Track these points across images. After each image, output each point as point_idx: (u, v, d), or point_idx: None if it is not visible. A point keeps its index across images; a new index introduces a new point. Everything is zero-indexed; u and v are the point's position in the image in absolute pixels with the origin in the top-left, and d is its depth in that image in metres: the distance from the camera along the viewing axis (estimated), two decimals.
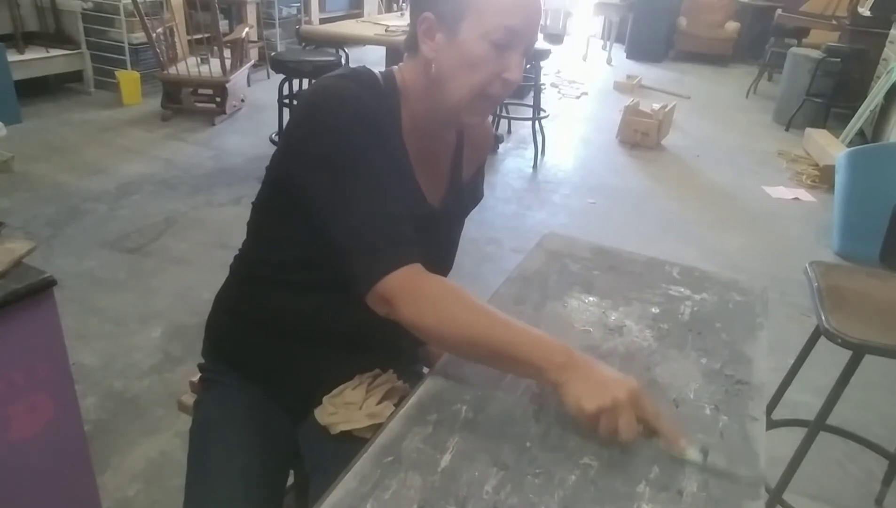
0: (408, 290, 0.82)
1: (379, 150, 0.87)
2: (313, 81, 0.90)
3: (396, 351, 1.09)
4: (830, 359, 1.56)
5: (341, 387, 1.01)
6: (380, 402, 0.98)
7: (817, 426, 1.46)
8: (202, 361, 1.16)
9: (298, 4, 6.58)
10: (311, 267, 0.96)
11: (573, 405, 0.76)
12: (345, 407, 0.98)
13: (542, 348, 0.79)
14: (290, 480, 1.11)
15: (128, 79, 4.77)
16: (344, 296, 0.88)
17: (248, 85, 5.46)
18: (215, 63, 4.57)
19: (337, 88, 0.88)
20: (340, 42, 4.21)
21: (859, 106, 4.84)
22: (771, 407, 1.77)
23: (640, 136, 4.90)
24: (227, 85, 4.56)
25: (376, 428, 0.95)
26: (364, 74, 0.92)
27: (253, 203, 1.04)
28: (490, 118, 4.47)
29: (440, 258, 1.09)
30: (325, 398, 1.00)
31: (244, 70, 5.02)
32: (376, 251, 0.83)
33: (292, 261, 0.98)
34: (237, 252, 1.10)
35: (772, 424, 1.79)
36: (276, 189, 0.97)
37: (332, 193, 0.85)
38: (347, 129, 0.85)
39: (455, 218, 1.11)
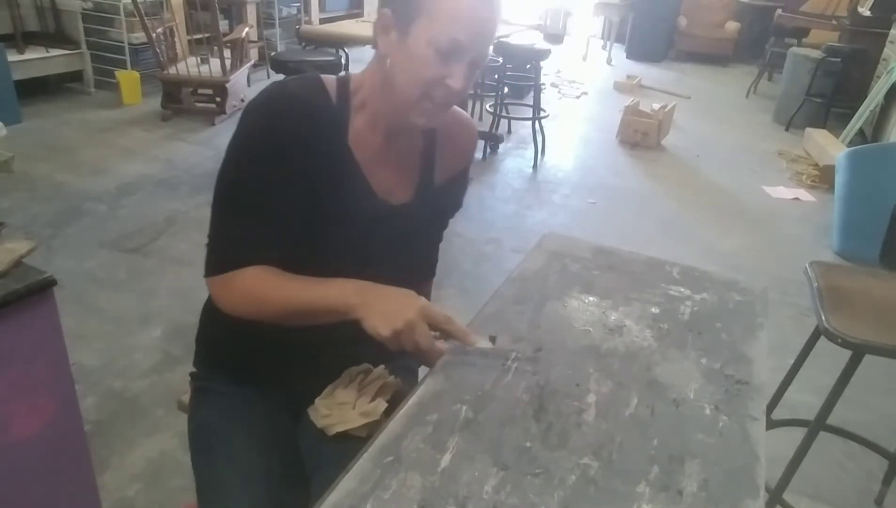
0: (223, 287, 0.95)
1: (282, 164, 0.91)
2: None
3: (382, 344, 1.10)
4: (830, 359, 1.56)
5: (331, 386, 1.01)
6: (372, 400, 0.98)
7: (817, 426, 1.46)
8: (193, 370, 1.16)
9: (298, 4, 6.57)
10: (285, 266, 0.96)
11: (374, 334, 0.87)
12: (338, 408, 0.98)
13: (339, 294, 0.90)
14: None
15: (128, 79, 4.77)
16: None
17: (249, 85, 5.45)
18: (215, 63, 4.57)
19: (263, 101, 0.92)
20: (340, 42, 4.22)
21: (859, 106, 4.84)
22: (771, 407, 1.77)
23: (640, 136, 4.90)
24: (227, 85, 4.56)
25: (371, 426, 0.95)
26: (305, 83, 0.95)
27: None
28: (493, 119, 4.48)
29: (412, 255, 1.10)
30: (317, 400, 1.00)
31: (244, 70, 5.01)
32: (215, 258, 0.96)
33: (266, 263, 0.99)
34: None
35: (772, 424, 1.79)
36: None
37: (217, 190, 0.95)
38: (249, 143, 0.91)
39: (425, 217, 1.10)
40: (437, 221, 1.15)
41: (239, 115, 0.95)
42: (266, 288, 0.93)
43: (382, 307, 0.87)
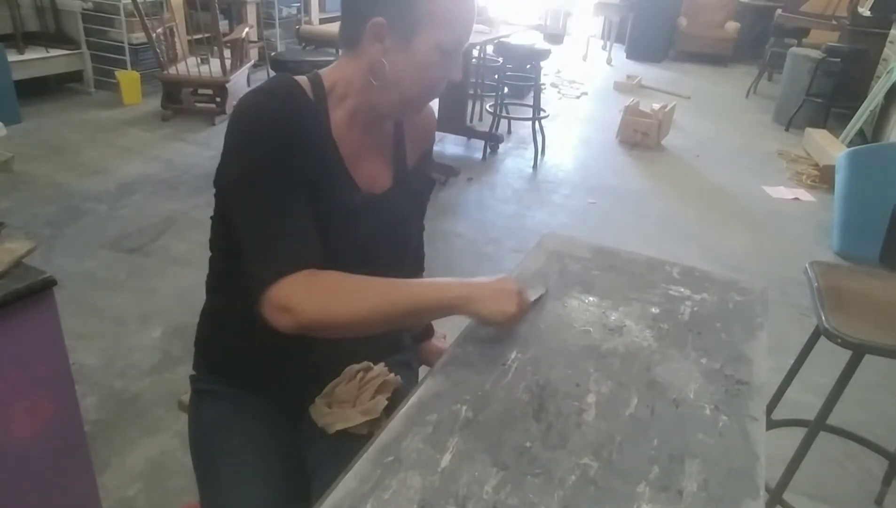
0: (305, 290, 0.85)
1: (290, 161, 0.90)
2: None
3: (379, 341, 1.11)
4: (830, 359, 1.56)
5: (331, 384, 1.01)
6: (372, 397, 0.98)
7: (817, 426, 1.46)
8: (193, 373, 1.16)
9: (298, 4, 6.57)
10: None
11: (500, 320, 0.92)
12: (338, 406, 0.98)
13: (439, 292, 0.91)
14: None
15: (128, 79, 4.77)
16: None
17: (249, 85, 5.46)
18: (215, 63, 4.57)
19: (252, 105, 0.91)
20: None
21: (859, 106, 4.84)
22: (771, 407, 1.77)
23: (640, 136, 4.90)
24: (227, 85, 4.56)
25: (371, 424, 0.95)
26: (283, 84, 0.94)
27: (211, 217, 1.05)
28: (493, 119, 4.47)
29: (398, 242, 1.11)
30: (317, 399, 1.00)
31: (244, 70, 5.01)
32: (268, 262, 0.87)
33: None
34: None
35: (772, 424, 1.79)
36: (220, 200, 1.01)
37: (239, 207, 0.91)
38: (256, 146, 0.89)
39: (406, 202, 1.12)
40: (416, 203, 1.17)
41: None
42: (360, 287, 0.89)
43: (491, 294, 0.92)
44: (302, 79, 0.96)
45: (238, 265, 1.02)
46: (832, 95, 5.39)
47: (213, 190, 0.99)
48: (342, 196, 0.97)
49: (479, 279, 0.95)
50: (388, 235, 1.05)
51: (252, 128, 0.90)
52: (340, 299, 0.87)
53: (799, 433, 1.55)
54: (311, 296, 0.85)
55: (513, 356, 0.95)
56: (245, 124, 0.90)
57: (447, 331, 1.42)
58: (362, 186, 1.01)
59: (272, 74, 5.36)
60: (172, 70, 4.51)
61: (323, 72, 0.99)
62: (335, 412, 0.97)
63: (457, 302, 0.91)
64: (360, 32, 0.93)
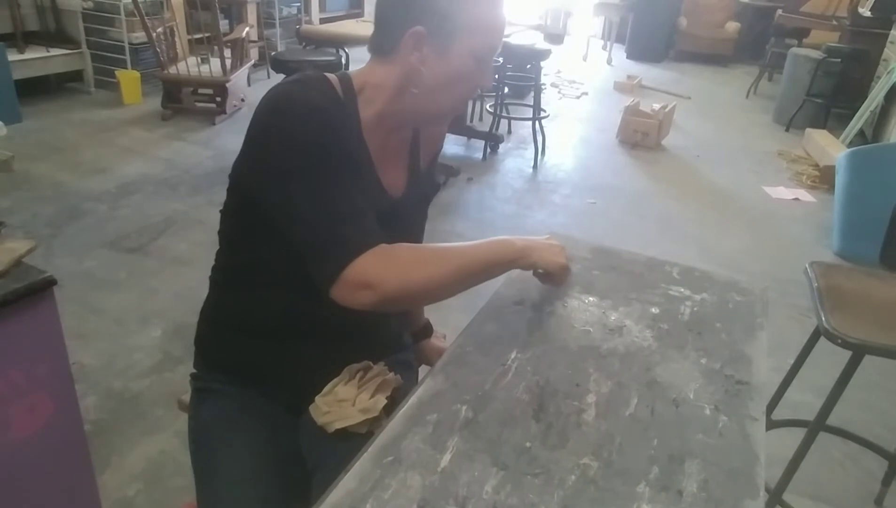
0: (383, 264, 0.87)
1: (338, 151, 0.89)
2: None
3: (380, 339, 1.12)
4: (830, 359, 1.56)
5: (331, 384, 1.01)
6: (372, 396, 0.98)
7: (817, 426, 1.46)
8: (194, 371, 1.16)
9: (298, 4, 6.58)
10: (283, 264, 0.96)
11: (555, 269, 1.04)
12: (338, 405, 0.98)
13: (504, 249, 0.97)
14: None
15: (128, 78, 4.77)
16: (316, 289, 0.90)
17: (249, 85, 5.46)
18: (215, 63, 4.57)
19: (294, 95, 0.89)
20: (340, 42, 4.22)
21: (859, 106, 4.84)
22: (771, 407, 1.77)
23: (640, 136, 4.90)
24: (227, 85, 4.56)
25: (371, 422, 0.95)
26: (318, 79, 0.94)
27: (221, 211, 1.04)
28: (493, 119, 4.48)
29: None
30: (317, 398, 1.00)
31: (244, 70, 5.01)
32: (342, 242, 0.86)
33: (265, 261, 0.99)
34: (213, 263, 1.11)
35: (772, 424, 1.79)
36: (240, 194, 0.99)
37: (291, 195, 0.87)
38: (306, 134, 0.87)
39: (417, 206, 1.14)
40: (423, 207, 1.18)
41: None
42: (432, 255, 0.93)
43: (546, 246, 1.03)
44: (332, 76, 0.96)
45: (246, 259, 1.02)
46: (832, 96, 5.39)
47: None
48: (372, 198, 0.97)
49: (529, 237, 1.03)
50: (397, 238, 1.05)
51: (295, 115, 0.88)
52: (418, 269, 0.90)
53: (799, 434, 1.55)
54: (390, 269, 0.87)
55: (513, 356, 0.95)
56: (285, 113, 0.88)
57: (447, 331, 1.42)
58: (387, 188, 1.02)
59: (272, 73, 5.36)
60: (172, 70, 4.51)
61: (352, 73, 0.99)
62: (334, 410, 0.97)
63: (520, 255, 0.98)
64: (397, 40, 0.93)
